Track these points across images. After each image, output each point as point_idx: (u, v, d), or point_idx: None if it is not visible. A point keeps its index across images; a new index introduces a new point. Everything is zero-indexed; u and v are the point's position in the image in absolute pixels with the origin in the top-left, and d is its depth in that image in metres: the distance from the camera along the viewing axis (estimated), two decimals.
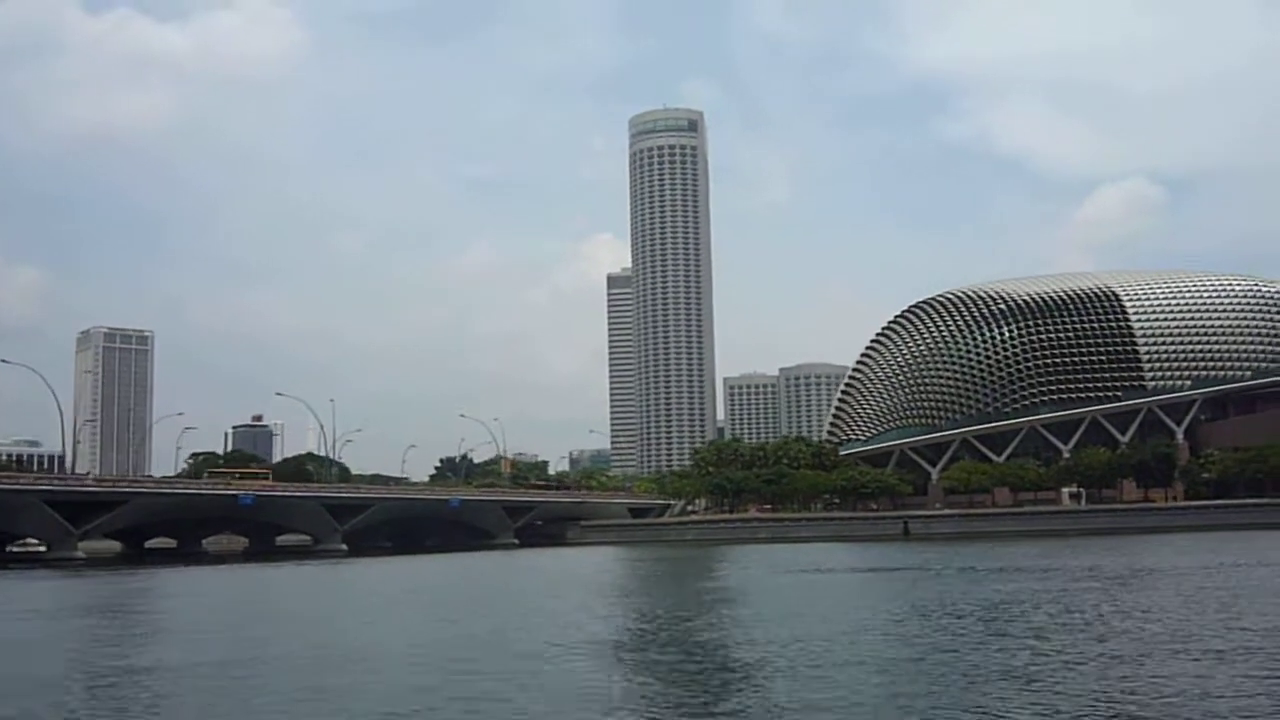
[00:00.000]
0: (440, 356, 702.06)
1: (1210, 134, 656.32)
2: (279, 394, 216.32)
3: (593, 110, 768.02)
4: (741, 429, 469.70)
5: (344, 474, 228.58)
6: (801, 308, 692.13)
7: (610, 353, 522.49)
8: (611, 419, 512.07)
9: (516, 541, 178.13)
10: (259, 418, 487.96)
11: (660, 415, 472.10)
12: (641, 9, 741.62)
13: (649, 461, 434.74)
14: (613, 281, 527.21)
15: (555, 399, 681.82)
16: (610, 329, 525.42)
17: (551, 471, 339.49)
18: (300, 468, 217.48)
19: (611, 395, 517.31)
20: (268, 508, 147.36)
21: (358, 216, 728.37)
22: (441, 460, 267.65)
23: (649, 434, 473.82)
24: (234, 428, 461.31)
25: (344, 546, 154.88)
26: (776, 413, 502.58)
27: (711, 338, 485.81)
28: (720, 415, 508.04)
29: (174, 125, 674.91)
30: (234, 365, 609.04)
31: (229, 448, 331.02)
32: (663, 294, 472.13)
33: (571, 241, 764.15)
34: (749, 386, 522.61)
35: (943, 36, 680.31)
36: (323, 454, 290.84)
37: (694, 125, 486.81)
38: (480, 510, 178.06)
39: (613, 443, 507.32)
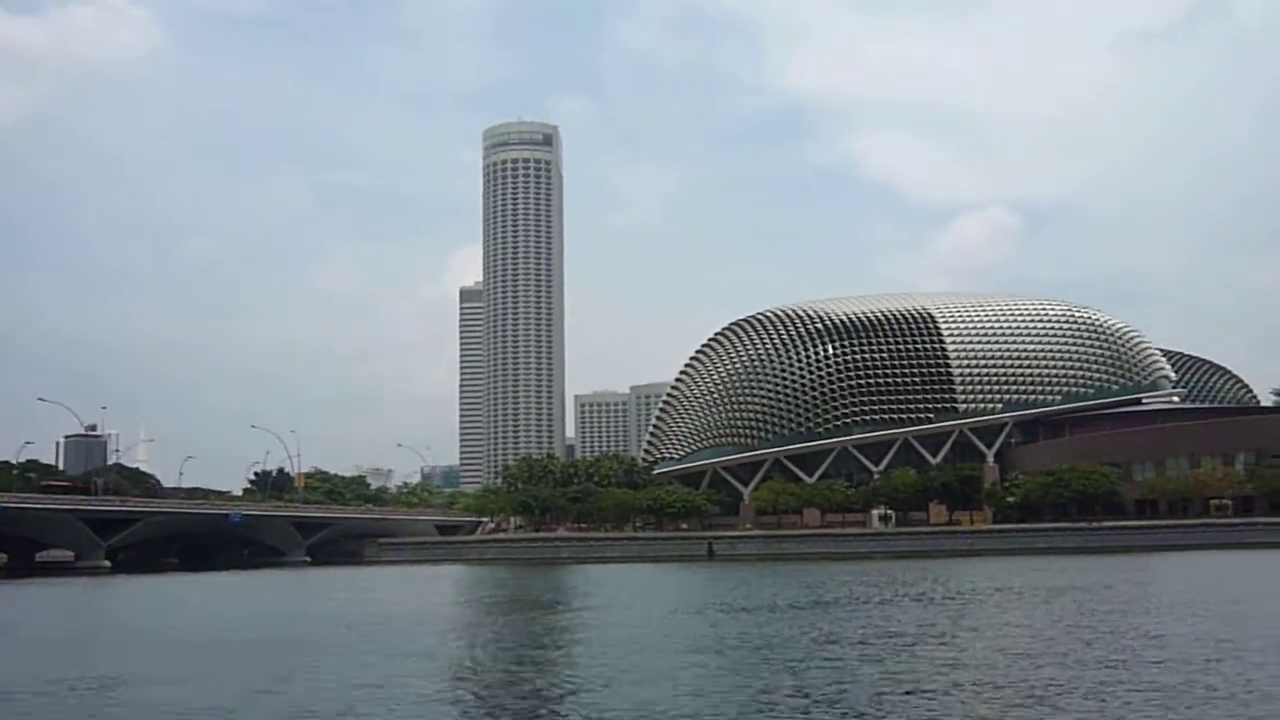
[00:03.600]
0: (302, 369, 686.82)
1: (1066, 166, 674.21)
2: (40, 399, 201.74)
3: (464, 123, 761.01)
4: (592, 446, 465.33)
5: (153, 487, 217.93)
6: (667, 328, 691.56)
7: (462, 367, 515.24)
8: (461, 435, 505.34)
9: (308, 559, 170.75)
10: (93, 428, 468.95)
11: (508, 431, 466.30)
12: (516, 25, 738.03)
13: (497, 478, 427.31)
14: (465, 295, 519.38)
15: (419, 413, 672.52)
16: (462, 343, 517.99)
17: (393, 485, 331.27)
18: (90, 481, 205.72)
19: (462, 410, 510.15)
20: (16, 521, 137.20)
21: (216, 223, 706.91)
22: (256, 474, 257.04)
23: (497, 450, 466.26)
24: (66, 437, 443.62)
25: (107, 563, 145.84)
26: (627, 431, 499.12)
27: (562, 354, 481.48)
28: (570, 432, 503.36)
29: (28, 123, 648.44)
30: (83, 373, 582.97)
31: (61, 458, 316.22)
32: (513, 309, 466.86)
33: (440, 254, 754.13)
34: (600, 404, 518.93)
35: (805, 62, 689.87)
36: (134, 467, 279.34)
37: (549, 139, 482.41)
38: (268, 526, 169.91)
39: (462, 458, 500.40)
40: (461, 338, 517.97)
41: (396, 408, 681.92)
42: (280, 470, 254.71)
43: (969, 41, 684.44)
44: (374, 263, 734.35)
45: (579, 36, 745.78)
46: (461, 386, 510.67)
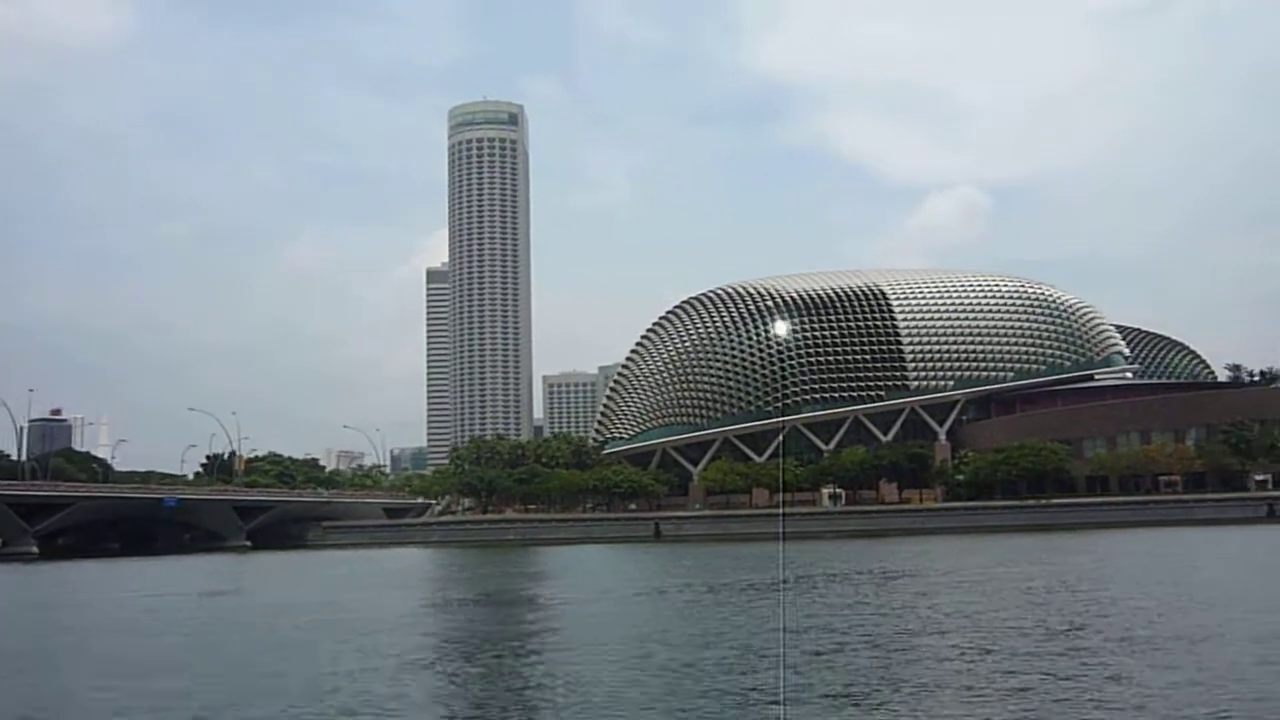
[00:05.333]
0: (275, 351, 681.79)
1: (1038, 146, 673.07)
2: None
3: (437, 104, 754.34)
4: (560, 427, 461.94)
5: (103, 472, 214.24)
6: (637, 308, 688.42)
7: (429, 349, 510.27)
8: (429, 417, 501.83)
9: (249, 544, 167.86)
10: (57, 412, 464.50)
11: (475, 413, 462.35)
12: (488, 6, 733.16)
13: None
14: (432, 276, 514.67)
15: (392, 395, 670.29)
16: (429, 325, 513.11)
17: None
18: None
19: (429, 393, 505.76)
20: None
21: (187, 205, 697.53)
22: (208, 457, 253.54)
23: (464, 432, 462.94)
24: (30, 421, 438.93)
25: (34, 549, 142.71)
26: (596, 411, 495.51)
27: (529, 335, 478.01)
28: (539, 413, 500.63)
29: None
30: (49, 356, 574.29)
31: (24, 444, 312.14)
32: (479, 289, 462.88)
33: (413, 236, 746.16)
34: (568, 385, 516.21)
35: (780, 41, 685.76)
36: (84, 451, 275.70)
37: (514, 119, 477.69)
38: (205, 510, 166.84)
39: (430, 440, 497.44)
40: (428, 319, 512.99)
41: (371, 390, 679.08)
42: (232, 453, 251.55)
43: (943, 22, 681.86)
44: (349, 244, 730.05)
45: (551, 17, 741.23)
46: (429, 368, 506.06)
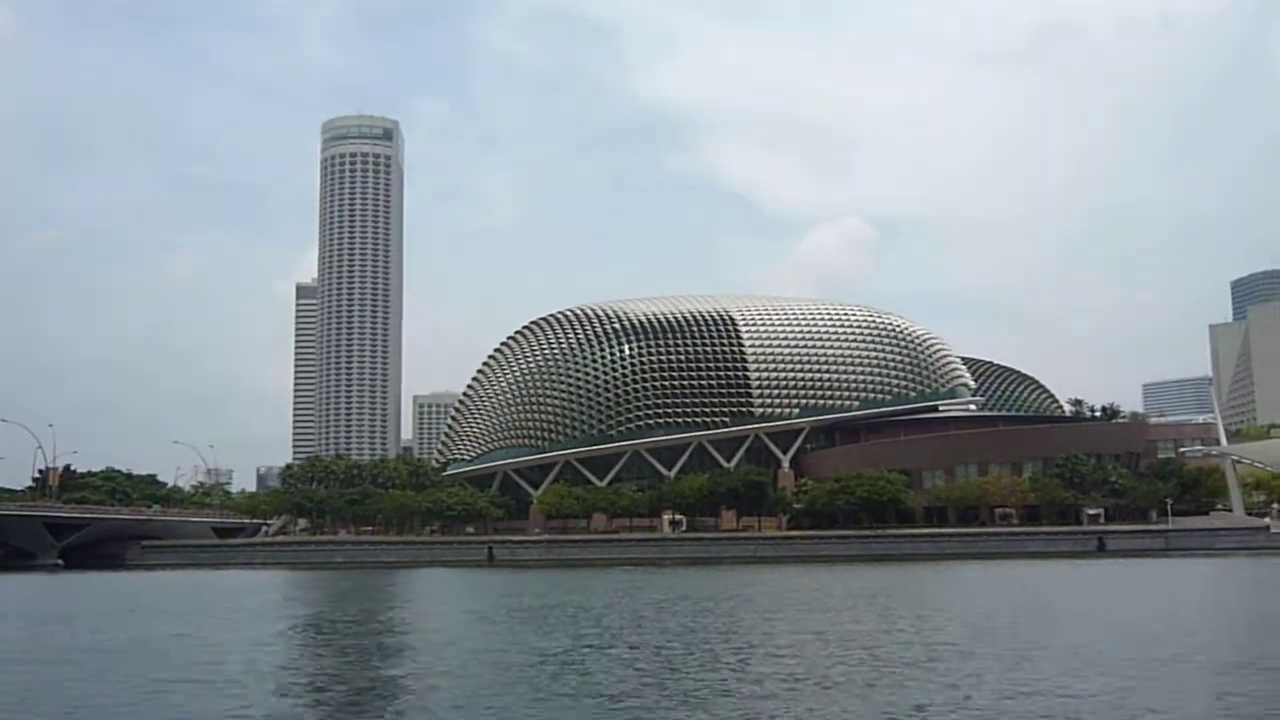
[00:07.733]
0: (148, 365, 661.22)
1: (920, 180, 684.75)
2: None
3: (321, 119, 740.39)
4: (431, 447, 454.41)
5: None
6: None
7: (296, 367, 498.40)
8: (295, 435, 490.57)
9: (61, 563, 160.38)
10: None
11: (341, 432, 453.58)
12: (377, 23, 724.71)
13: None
14: (302, 291, 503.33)
15: (264, 413, 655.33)
16: (297, 342, 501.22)
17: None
18: None
19: (296, 410, 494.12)
20: None
21: (60, 215, 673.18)
22: (40, 471, 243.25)
23: (329, 451, 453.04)
24: None
25: None
26: None
27: (399, 354, 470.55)
28: (408, 433, 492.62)
29: None
30: None
31: None
32: (348, 306, 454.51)
33: (293, 250, 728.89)
34: (439, 405, 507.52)
35: (667, 70, 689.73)
36: None
37: (389, 134, 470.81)
38: (13, 527, 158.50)
39: (296, 459, 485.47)
40: (297, 336, 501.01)
41: (244, 407, 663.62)
42: (67, 467, 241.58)
43: (827, 57, 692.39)
44: (228, 257, 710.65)
45: (440, 37, 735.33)
46: (296, 385, 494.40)
